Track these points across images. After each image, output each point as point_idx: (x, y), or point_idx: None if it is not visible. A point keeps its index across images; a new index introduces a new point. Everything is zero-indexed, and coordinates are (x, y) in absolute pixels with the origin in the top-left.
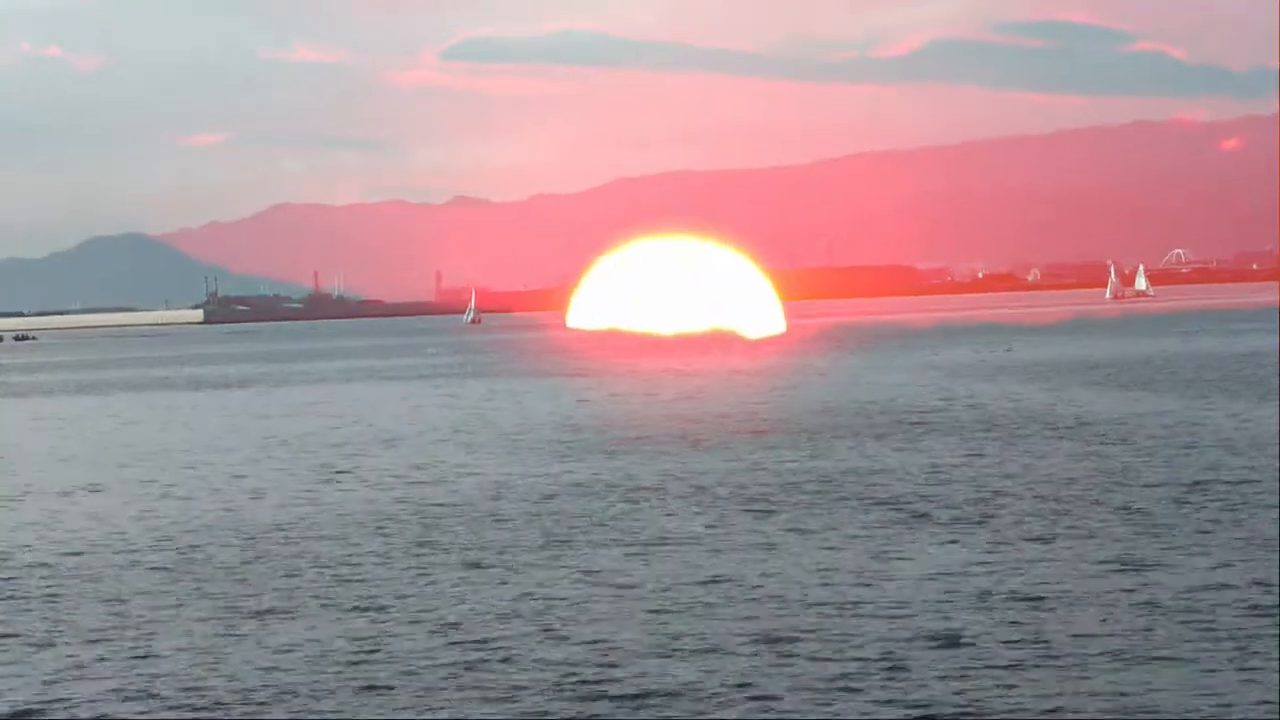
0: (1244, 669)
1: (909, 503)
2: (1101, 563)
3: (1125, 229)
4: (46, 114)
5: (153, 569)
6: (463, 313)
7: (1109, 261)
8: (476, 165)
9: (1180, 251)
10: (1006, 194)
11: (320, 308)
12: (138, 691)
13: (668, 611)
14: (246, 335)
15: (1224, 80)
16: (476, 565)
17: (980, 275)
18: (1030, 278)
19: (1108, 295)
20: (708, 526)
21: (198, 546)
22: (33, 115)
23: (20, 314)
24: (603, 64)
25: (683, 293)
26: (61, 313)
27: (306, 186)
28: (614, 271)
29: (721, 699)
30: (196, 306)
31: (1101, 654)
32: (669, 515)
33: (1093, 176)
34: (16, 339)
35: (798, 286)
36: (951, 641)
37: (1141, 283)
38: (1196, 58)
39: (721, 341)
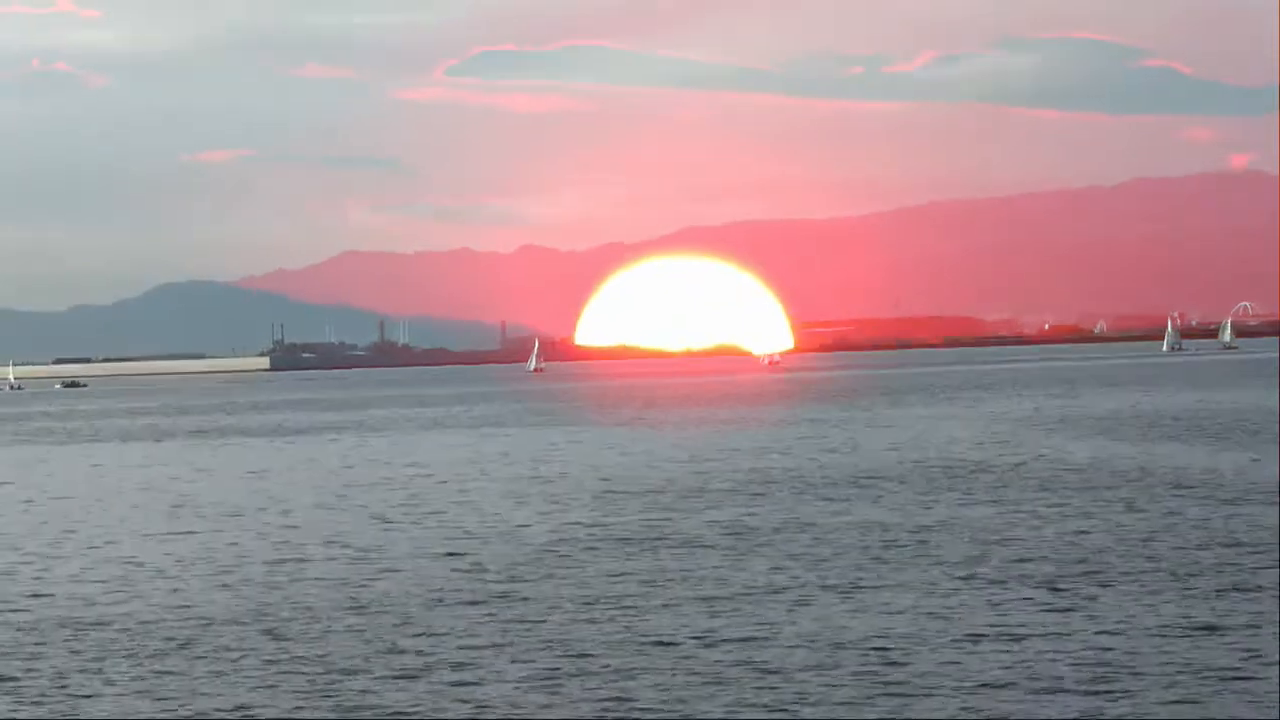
0: None
1: (987, 557)
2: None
3: (1194, 280)
4: (58, 129)
5: (223, 620)
6: (527, 362)
7: (1175, 313)
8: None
9: (1247, 304)
10: (1074, 245)
11: (386, 356)
12: None
13: (744, 665)
14: (312, 382)
15: (1233, 97)
16: (528, 619)
17: (1047, 327)
18: (1097, 330)
19: (1164, 349)
20: (778, 578)
21: (258, 596)
22: (43, 130)
23: (88, 360)
24: (614, 81)
25: (690, 310)
26: (129, 359)
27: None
28: (623, 289)
29: None
30: (263, 353)
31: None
32: (739, 569)
33: (1161, 227)
34: (66, 385)
35: (864, 337)
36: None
37: (1227, 335)
38: (1205, 74)
39: (728, 357)
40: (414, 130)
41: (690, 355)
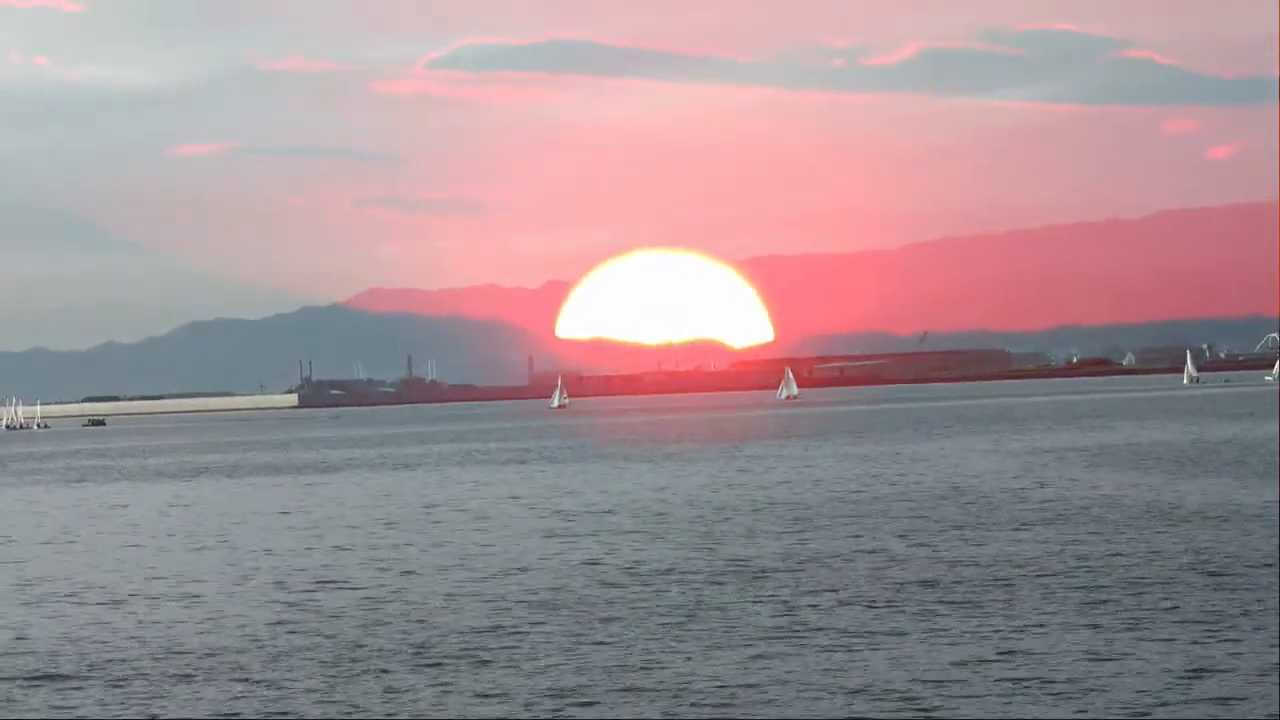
0: None
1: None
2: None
3: (1222, 312)
4: (40, 122)
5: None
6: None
7: (1205, 345)
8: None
9: (1275, 335)
10: (1100, 277)
11: (413, 392)
12: None
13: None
14: (340, 420)
15: (1214, 87)
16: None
17: (1074, 360)
18: (1125, 362)
19: (1185, 381)
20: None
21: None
22: (26, 123)
23: (116, 398)
24: (598, 74)
25: (669, 304)
26: (158, 397)
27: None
28: (603, 283)
29: None
30: (291, 391)
31: None
32: (787, 603)
33: (1189, 260)
34: (91, 423)
35: (891, 371)
36: None
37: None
38: (1186, 65)
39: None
40: (399, 123)
41: (668, 348)
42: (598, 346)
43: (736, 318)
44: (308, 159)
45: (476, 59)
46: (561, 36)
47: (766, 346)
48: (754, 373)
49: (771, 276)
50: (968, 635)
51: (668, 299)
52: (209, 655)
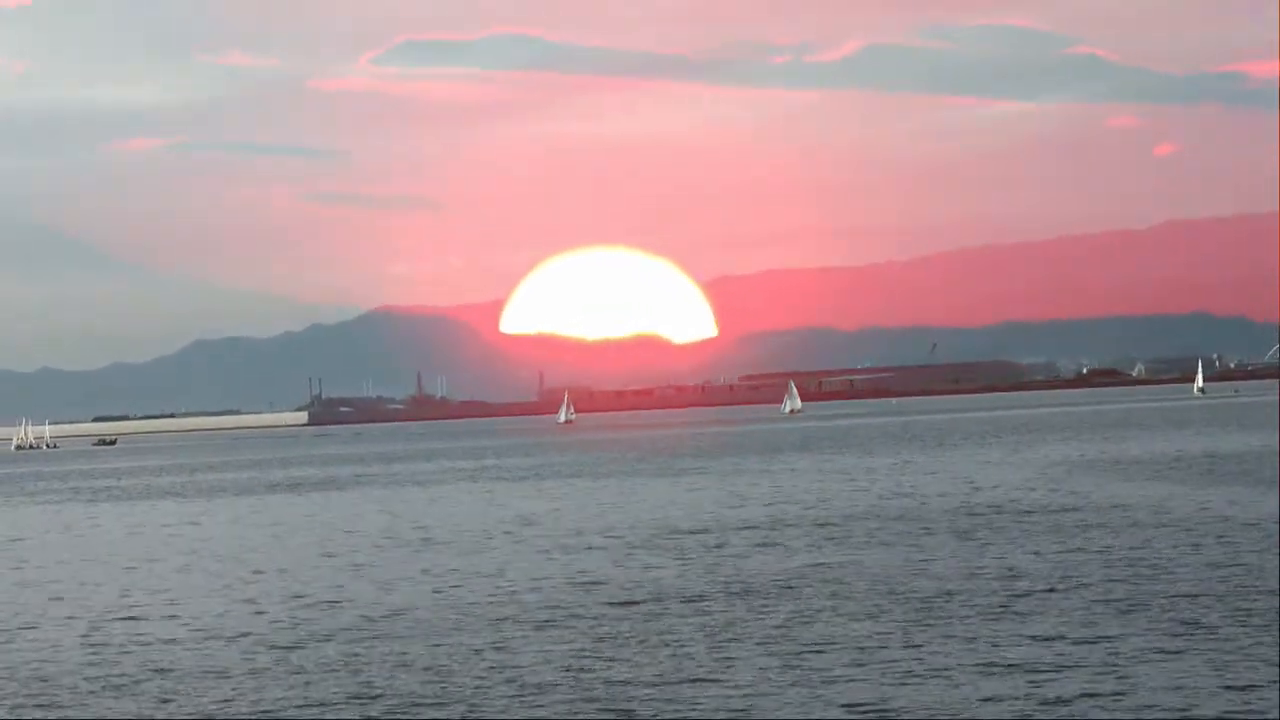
0: None
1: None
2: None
3: (1230, 323)
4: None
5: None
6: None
7: (1215, 355)
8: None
9: None
10: (1108, 288)
11: (423, 409)
12: None
13: None
14: (339, 437)
15: (1158, 84)
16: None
17: (1084, 370)
18: (1135, 373)
19: (1195, 391)
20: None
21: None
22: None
23: (126, 417)
24: (543, 69)
25: (611, 299)
26: (167, 416)
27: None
28: (546, 279)
29: None
30: (300, 408)
31: None
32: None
33: (1195, 270)
34: (100, 443)
35: (901, 383)
36: None
37: None
38: (1131, 61)
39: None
40: (343, 119)
41: (610, 343)
42: (540, 341)
43: (678, 313)
44: (253, 155)
45: (417, 55)
46: (513, 32)
47: (709, 342)
48: (761, 388)
49: (715, 270)
50: (970, 644)
51: (609, 294)
52: (211, 670)
